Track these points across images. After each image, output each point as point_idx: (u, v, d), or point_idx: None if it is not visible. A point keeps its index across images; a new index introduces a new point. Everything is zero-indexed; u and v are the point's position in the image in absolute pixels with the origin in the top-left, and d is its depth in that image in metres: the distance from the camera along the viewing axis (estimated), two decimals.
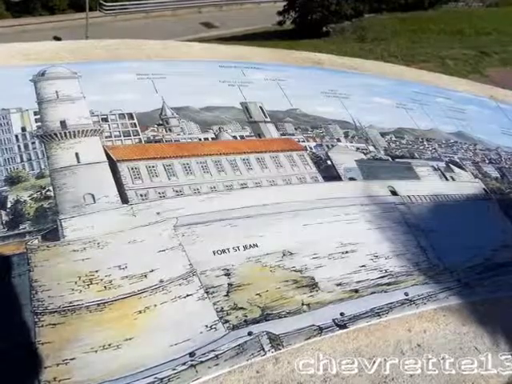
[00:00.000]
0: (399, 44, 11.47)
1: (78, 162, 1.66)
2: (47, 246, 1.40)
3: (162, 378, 1.18)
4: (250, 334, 1.31)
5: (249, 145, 2.01)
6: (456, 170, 2.31)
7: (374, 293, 1.53)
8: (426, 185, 2.12)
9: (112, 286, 1.34)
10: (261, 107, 2.20)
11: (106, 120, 1.87)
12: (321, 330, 1.37)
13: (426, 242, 1.77)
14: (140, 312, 1.31)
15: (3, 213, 1.49)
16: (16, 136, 1.73)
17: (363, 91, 2.64)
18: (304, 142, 2.15)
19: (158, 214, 1.57)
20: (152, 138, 1.92)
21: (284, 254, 1.55)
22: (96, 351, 1.21)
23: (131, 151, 1.79)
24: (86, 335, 1.23)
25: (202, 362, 1.23)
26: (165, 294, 1.36)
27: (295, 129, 2.21)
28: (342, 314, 1.43)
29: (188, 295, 1.38)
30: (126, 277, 1.37)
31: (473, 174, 2.32)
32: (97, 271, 1.36)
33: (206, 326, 1.32)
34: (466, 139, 2.62)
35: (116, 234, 1.47)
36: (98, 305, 1.30)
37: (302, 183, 1.93)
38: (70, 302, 1.29)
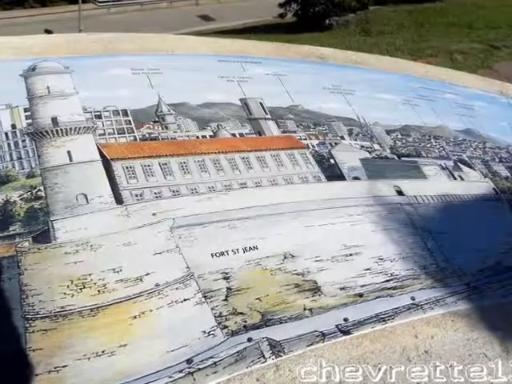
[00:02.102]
0: (405, 37, 11.47)
1: (71, 161, 1.66)
2: (38, 249, 1.40)
3: None
4: (249, 340, 1.31)
5: (249, 143, 2.01)
6: (465, 168, 2.31)
7: (379, 297, 1.53)
8: (433, 184, 2.12)
9: (106, 290, 1.34)
10: (261, 103, 2.20)
11: (99, 117, 1.87)
12: (323, 335, 1.37)
13: (434, 244, 1.77)
14: (135, 317, 1.31)
15: None
16: (5, 133, 1.73)
17: (368, 87, 2.64)
18: (306, 139, 2.15)
19: (153, 214, 1.57)
20: (147, 135, 1.92)
21: (285, 257, 1.55)
22: (89, 358, 1.21)
23: (126, 149, 1.79)
24: (78, 341, 1.23)
25: (199, 369, 1.23)
26: (161, 299, 1.36)
27: (297, 126, 2.21)
28: (345, 319, 1.43)
29: (185, 300, 1.38)
30: (121, 280, 1.37)
31: (482, 173, 2.32)
32: (90, 275, 1.36)
33: (204, 332, 1.32)
34: (474, 137, 2.62)
35: (110, 236, 1.47)
36: (92, 310, 1.30)
37: (303, 183, 1.93)
38: (62, 307, 1.29)
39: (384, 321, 1.45)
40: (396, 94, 2.68)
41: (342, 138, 2.24)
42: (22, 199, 1.53)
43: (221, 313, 1.37)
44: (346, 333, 1.39)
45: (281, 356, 1.30)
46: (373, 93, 2.61)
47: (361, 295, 1.52)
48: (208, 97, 2.16)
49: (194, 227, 1.56)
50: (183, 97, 2.10)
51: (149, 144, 1.87)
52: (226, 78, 2.29)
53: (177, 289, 1.39)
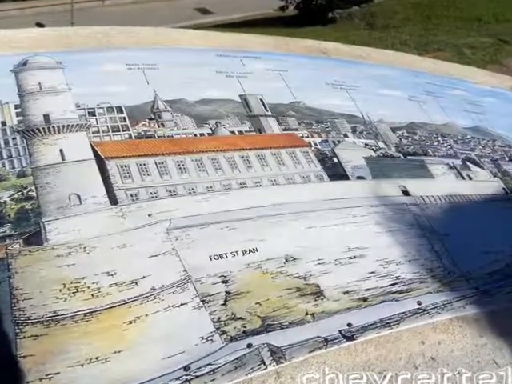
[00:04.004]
0: (412, 31, 11.48)
1: (63, 160, 1.66)
2: (29, 251, 1.40)
3: None
4: (249, 346, 1.31)
5: (248, 141, 2.01)
6: (473, 168, 2.31)
7: (385, 301, 1.53)
8: (440, 184, 2.12)
9: (100, 294, 1.34)
10: (261, 100, 2.20)
11: (93, 114, 1.87)
12: (326, 341, 1.37)
13: (441, 246, 1.77)
14: (130, 322, 1.31)
15: None
16: None
17: (372, 82, 2.64)
18: (308, 137, 2.15)
19: (149, 215, 1.57)
20: (143, 133, 1.92)
21: (286, 260, 1.55)
22: (82, 365, 1.21)
23: (120, 148, 1.79)
24: (71, 347, 1.23)
25: (197, 376, 1.23)
26: (157, 303, 1.36)
27: (299, 123, 2.21)
28: (349, 324, 1.43)
29: (182, 304, 1.38)
30: (115, 284, 1.37)
31: (491, 172, 2.32)
32: (83, 278, 1.36)
33: (202, 338, 1.32)
34: (484, 135, 2.62)
35: (104, 238, 1.47)
36: (85, 314, 1.30)
37: (305, 182, 1.93)
38: (54, 312, 1.29)
39: (389, 326, 1.45)
40: (402, 90, 2.68)
41: (346, 135, 2.24)
42: (12, 199, 1.53)
43: (219, 318, 1.37)
44: (350, 338, 1.39)
45: (282, 363, 1.30)
46: (377, 89, 2.61)
47: (365, 299, 1.52)
48: (206, 93, 2.16)
49: (192, 229, 1.56)
50: (180, 93, 2.10)
51: (144, 142, 1.87)
52: (224, 73, 2.29)
53: (173, 293, 1.39)
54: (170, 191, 1.71)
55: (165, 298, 1.37)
